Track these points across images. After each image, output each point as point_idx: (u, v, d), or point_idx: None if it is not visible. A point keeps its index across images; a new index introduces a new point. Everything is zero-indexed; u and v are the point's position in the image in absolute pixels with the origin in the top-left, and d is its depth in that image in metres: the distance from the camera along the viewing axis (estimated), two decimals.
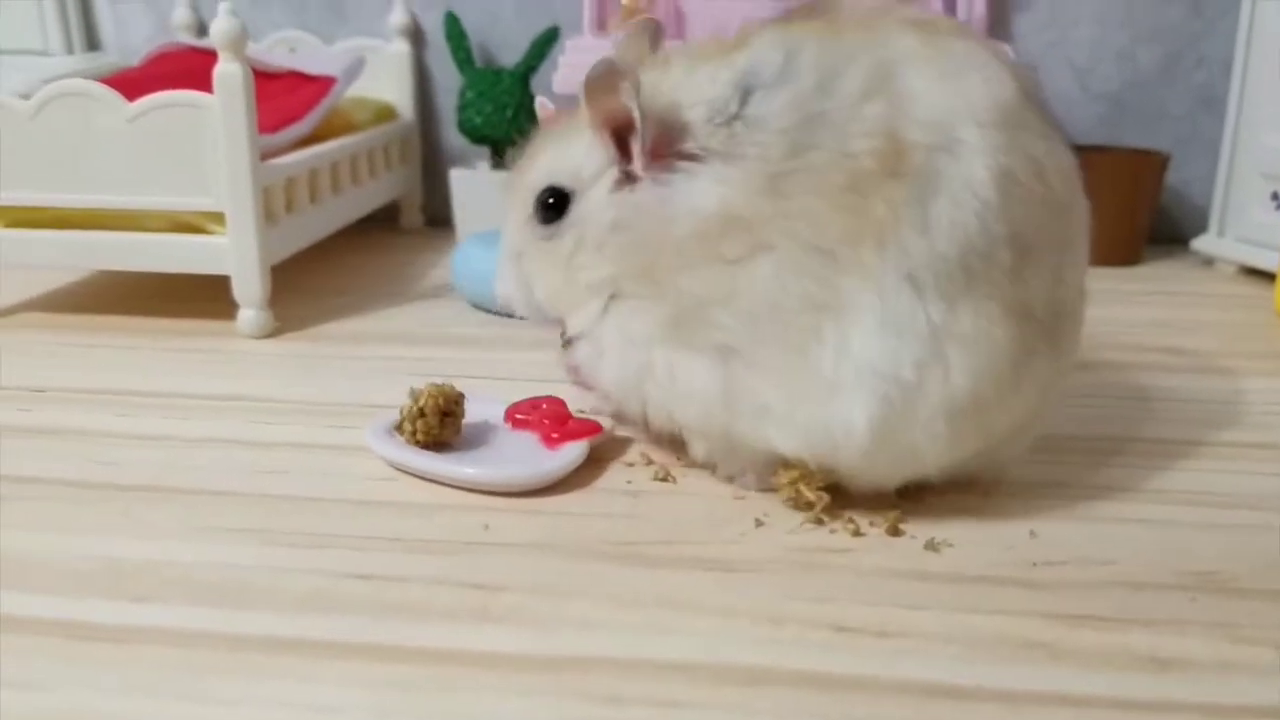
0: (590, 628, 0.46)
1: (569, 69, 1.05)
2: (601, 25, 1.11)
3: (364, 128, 1.13)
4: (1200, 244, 1.17)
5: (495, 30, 1.28)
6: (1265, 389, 0.79)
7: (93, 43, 1.33)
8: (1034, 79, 0.55)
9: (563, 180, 0.58)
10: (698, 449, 0.59)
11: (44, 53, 1.28)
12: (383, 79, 1.24)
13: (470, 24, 1.25)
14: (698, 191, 0.53)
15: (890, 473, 0.55)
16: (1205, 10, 1.20)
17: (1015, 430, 0.56)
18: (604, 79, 0.53)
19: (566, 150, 0.58)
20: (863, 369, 0.51)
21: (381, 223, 1.30)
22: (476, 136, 1.20)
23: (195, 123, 0.81)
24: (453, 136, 1.31)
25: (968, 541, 0.54)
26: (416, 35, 1.29)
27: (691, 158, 0.53)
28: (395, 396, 0.64)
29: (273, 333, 0.88)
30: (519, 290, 0.63)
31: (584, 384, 0.63)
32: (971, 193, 0.50)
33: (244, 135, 0.80)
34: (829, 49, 0.52)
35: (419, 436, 0.61)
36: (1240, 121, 1.12)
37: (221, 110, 0.80)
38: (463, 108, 1.20)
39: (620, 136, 0.55)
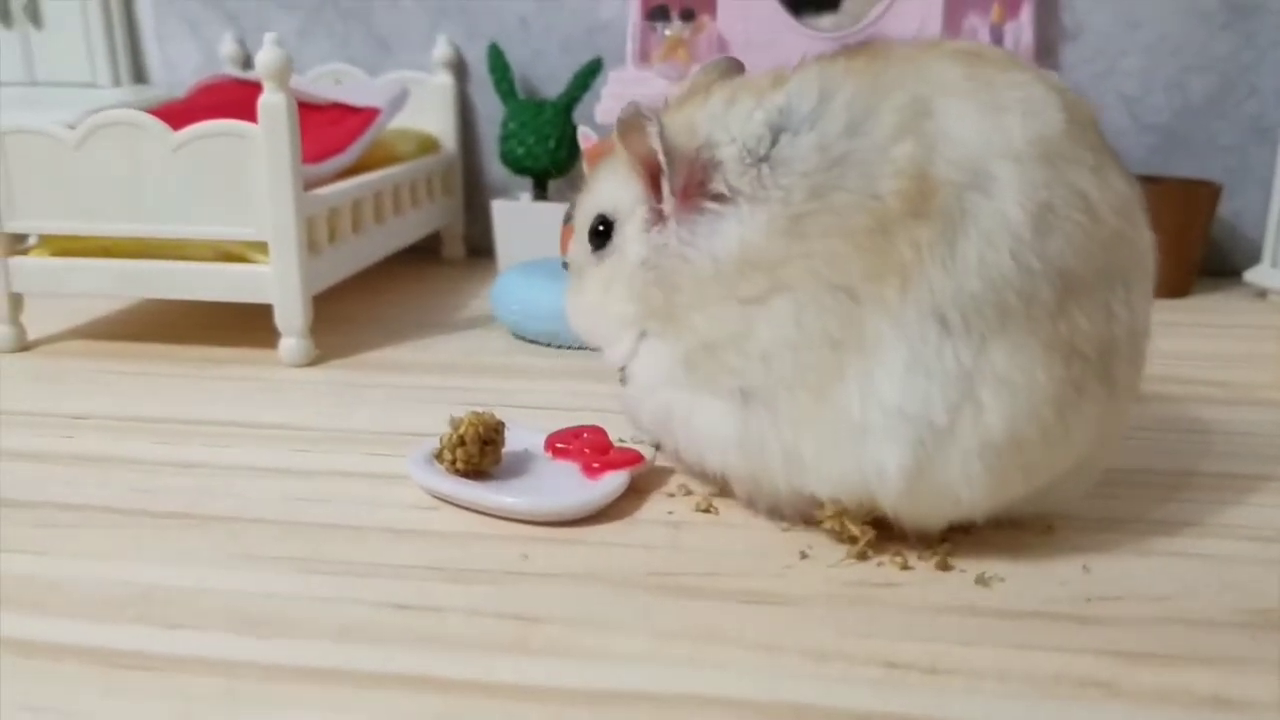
0: (632, 662, 0.45)
1: (612, 99, 1.06)
2: (645, 57, 1.11)
3: (407, 159, 1.14)
4: (1253, 276, 1.15)
5: (539, 63, 1.28)
6: None
7: (140, 75, 1.35)
8: (1089, 109, 0.53)
9: (607, 209, 0.60)
10: (737, 491, 0.59)
11: (91, 85, 1.30)
12: (426, 111, 1.25)
13: (514, 57, 1.26)
14: (720, 234, 0.53)
15: (930, 515, 0.53)
16: (1257, 40, 1.18)
17: (1070, 471, 0.54)
18: (631, 122, 0.54)
19: (611, 180, 0.60)
20: (890, 411, 0.49)
21: (423, 254, 1.30)
22: (518, 167, 1.20)
23: (240, 152, 0.81)
24: (495, 168, 1.32)
25: (1020, 576, 0.52)
26: (460, 68, 1.29)
27: (720, 198, 0.53)
28: (435, 425, 0.64)
29: (314, 361, 0.88)
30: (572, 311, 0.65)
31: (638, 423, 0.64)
32: (1006, 230, 0.48)
33: (288, 165, 0.81)
34: (865, 89, 0.51)
35: (459, 465, 0.60)
36: None
37: (266, 140, 0.80)
38: (505, 139, 1.20)
39: (654, 176, 0.56)
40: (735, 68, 0.62)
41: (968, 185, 0.48)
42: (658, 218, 0.56)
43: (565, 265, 0.92)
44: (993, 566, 0.53)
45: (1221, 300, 1.15)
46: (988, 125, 0.49)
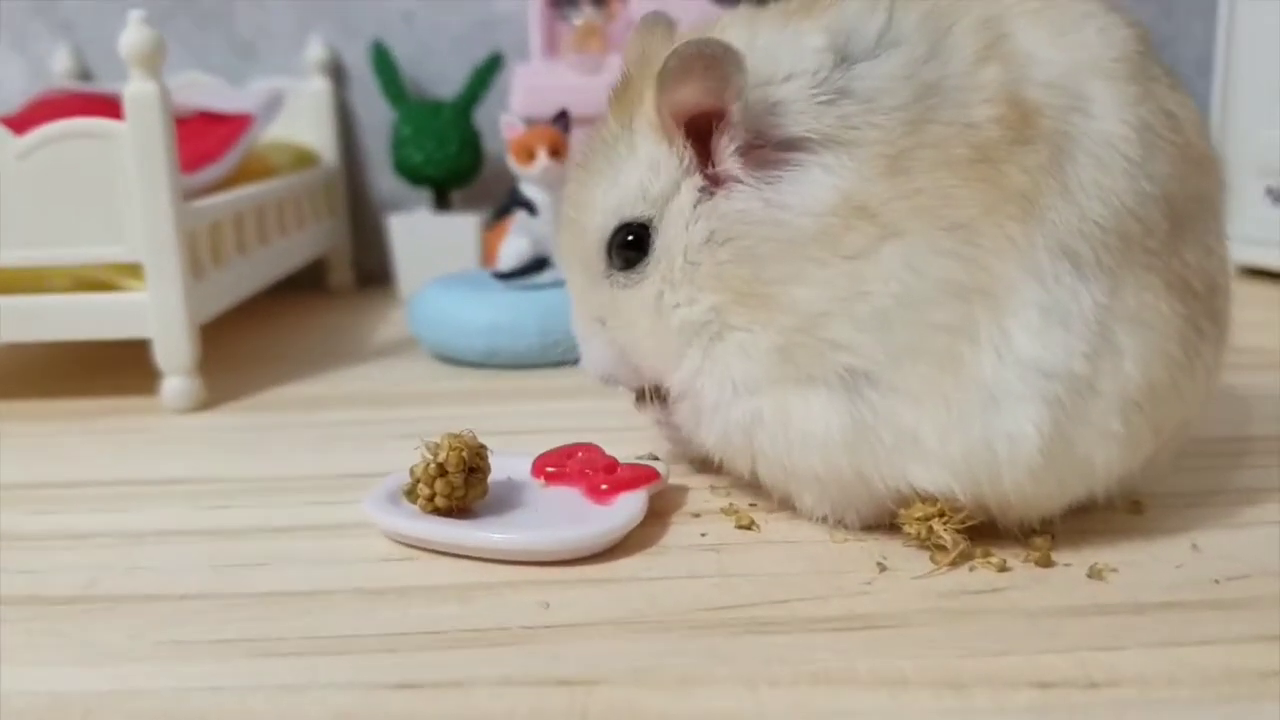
0: (732, 717, 0.35)
1: (527, 93, 0.99)
2: (553, 49, 1.03)
3: (283, 173, 1.01)
4: None
5: (427, 62, 1.18)
6: None
7: None
8: (1146, 30, 0.49)
9: (635, 211, 0.49)
10: (807, 500, 0.49)
11: None
12: (300, 121, 1.12)
13: (399, 56, 1.15)
14: (809, 184, 0.45)
15: (1058, 494, 0.46)
16: (1176, 12, 1.19)
17: (1178, 426, 0.49)
18: (693, 63, 0.44)
19: (623, 174, 0.49)
20: (1028, 367, 0.43)
21: (305, 285, 1.17)
22: (416, 176, 1.09)
23: (103, 157, 0.68)
24: (383, 184, 1.20)
25: (1129, 564, 0.46)
26: (337, 71, 1.17)
27: (794, 146, 0.45)
28: (378, 463, 0.55)
29: (204, 405, 0.74)
30: (613, 359, 0.53)
31: (684, 447, 0.55)
32: (1115, 150, 0.44)
33: (164, 169, 0.67)
34: (928, 11, 0.46)
35: (439, 501, 0.49)
36: (1226, 120, 1.11)
37: (135, 139, 0.67)
38: (399, 145, 1.09)
39: (700, 134, 0.47)
40: (671, 24, 0.54)
41: (1067, 107, 0.44)
42: (716, 183, 0.47)
43: (496, 276, 0.83)
44: (1096, 556, 0.46)
45: None
46: (1068, 44, 0.46)
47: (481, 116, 1.11)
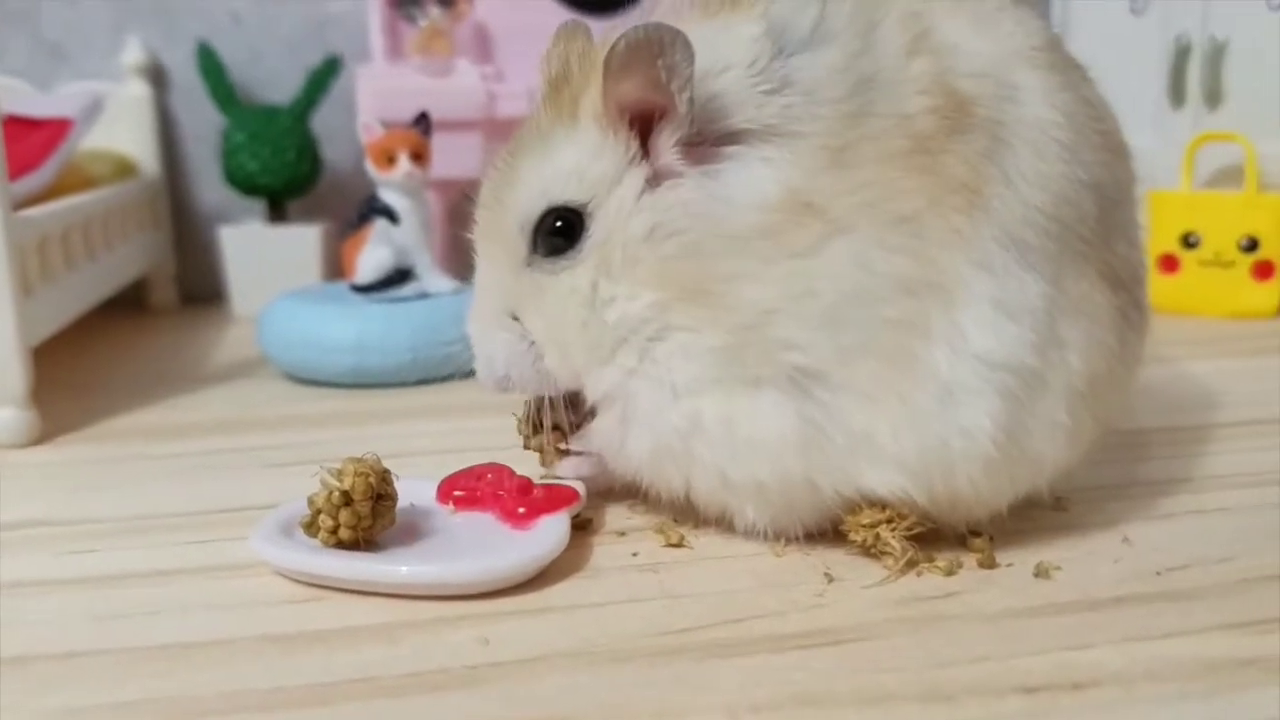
0: None
1: (374, 96, 0.94)
2: (396, 51, 0.99)
3: (104, 184, 0.92)
4: None
5: (257, 65, 1.11)
6: (1216, 371, 0.79)
7: None
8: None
9: (568, 195, 0.46)
10: (749, 513, 0.47)
11: None
12: (117, 128, 1.03)
13: (226, 59, 1.08)
14: (754, 178, 0.43)
15: (1009, 488, 0.46)
16: None
17: (1112, 417, 0.50)
18: (640, 50, 0.42)
19: (558, 153, 0.46)
20: (982, 364, 0.43)
21: (124, 306, 1.08)
22: (250, 186, 1.02)
23: None
24: (208, 194, 1.13)
25: (1068, 561, 0.46)
26: (157, 75, 1.09)
27: (735, 140, 0.44)
28: (247, 494, 0.53)
29: (41, 438, 0.66)
30: (520, 360, 0.49)
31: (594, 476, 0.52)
32: (1049, 136, 0.44)
33: None
34: (858, 3, 0.45)
35: (343, 533, 0.44)
36: None
37: None
38: (231, 153, 1.02)
39: (643, 124, 0.45)
40: (590, 32, 0.51)
41: (998, 96, 0.44)
42: (660, 176, 0.44)
43: (355, 289, 0.78)
44: (1035, 555, 0.46)
45: None
46: (991, 35, 0.46)
47: (317, 122, 1.06)
